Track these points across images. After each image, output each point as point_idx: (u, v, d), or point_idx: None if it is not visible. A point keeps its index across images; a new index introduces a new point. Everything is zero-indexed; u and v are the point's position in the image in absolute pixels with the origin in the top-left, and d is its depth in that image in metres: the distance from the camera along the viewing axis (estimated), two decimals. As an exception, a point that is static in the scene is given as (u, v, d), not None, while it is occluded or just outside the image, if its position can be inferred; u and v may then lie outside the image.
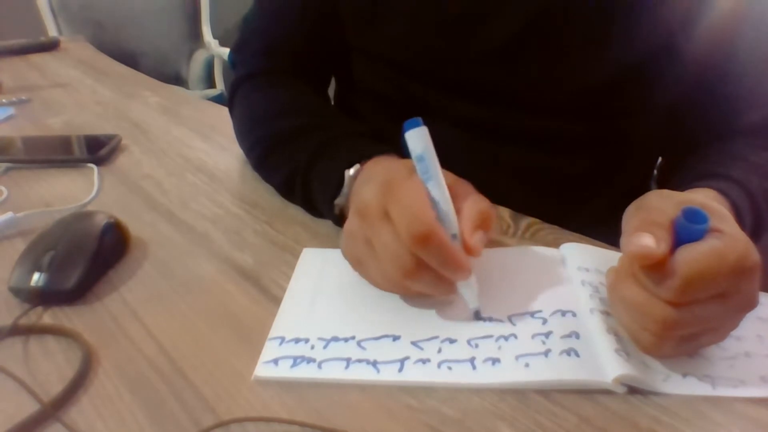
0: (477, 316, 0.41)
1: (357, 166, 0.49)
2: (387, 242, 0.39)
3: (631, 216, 0.38)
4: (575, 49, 0.56)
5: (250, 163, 0.66)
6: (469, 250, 0.40)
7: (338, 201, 0.50)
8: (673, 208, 0.36)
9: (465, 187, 0.43)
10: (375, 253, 0.40)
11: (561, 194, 0.65)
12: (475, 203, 0.42)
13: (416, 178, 0.40)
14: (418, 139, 0.40)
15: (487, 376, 0.36)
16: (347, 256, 0.44)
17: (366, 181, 0.46)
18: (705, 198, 0.39)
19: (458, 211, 0.41)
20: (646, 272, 0.35)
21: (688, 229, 0.35)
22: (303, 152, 0.55)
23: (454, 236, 0.40)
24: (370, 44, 0.65)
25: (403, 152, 0.42)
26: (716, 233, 0.35)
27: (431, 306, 0.42)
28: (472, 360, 0.37)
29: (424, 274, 0.39)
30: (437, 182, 0.40)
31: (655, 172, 0.73)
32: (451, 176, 0.43)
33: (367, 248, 0.41)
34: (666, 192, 0.39)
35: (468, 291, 0.41)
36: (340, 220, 0.51)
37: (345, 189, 0.49)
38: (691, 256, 0.34)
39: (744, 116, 0.57)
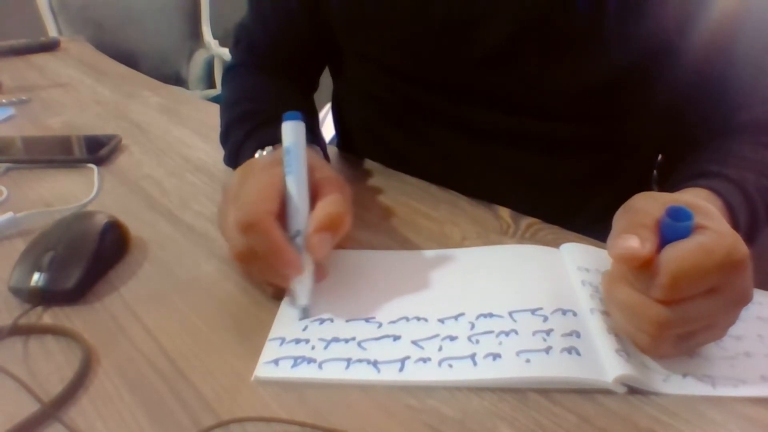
0: (304, 313, 0.42)
1: (270, 148, 0.52)
2: (229, 224, 0.42)
3: (618, 219, 0.38)
4: (571, 51, 0.56)
5: None
6: (309, 248, 0.41)
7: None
8: (658, 208, 0.36)
9: (333, 187, 0.44)
10: (227, 233, 0.43)
11: (561, 195, 0.65)
12: (329, 205, 0.42)
13: (277, 169, 0.42)
14: (290, 132, 0.42)
15: (487, 371, 0.36)
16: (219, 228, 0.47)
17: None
18: (692, 197, 0.39)
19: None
20: (635, 273, 0.35)
21: (673, 227, 0.35)
22: (240, 135, 0.59)
23: (298, 232, 0.41)
24: (363, 48, 0.65)
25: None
26: (702, 230, 0.35)
27: (432, 305, 0.42)
28: (473, 356, 0.37)
29: (255, 261, 0.41)
30: (296, 177, 0.42)
31: (655, 172, 0.73)
32: (327, 173, 0.45)
33: (224, 225, 0.44)
34: (652, 193, 0.40)
35: (298, 287, 0.41)
36: None
37: None
38: (676, 253, 0.34)
39: (742, 113, 0.57)
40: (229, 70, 0.72)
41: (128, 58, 1.60)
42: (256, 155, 0.52)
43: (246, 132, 0.58)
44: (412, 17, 0.58)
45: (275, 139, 0.51)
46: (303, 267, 0.41)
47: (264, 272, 0.42)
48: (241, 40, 0.72)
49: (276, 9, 0.68)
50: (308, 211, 0.42)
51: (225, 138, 0.64)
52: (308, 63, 0.72)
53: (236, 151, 0.58)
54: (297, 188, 0.41)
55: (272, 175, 0.42)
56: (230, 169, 0.67)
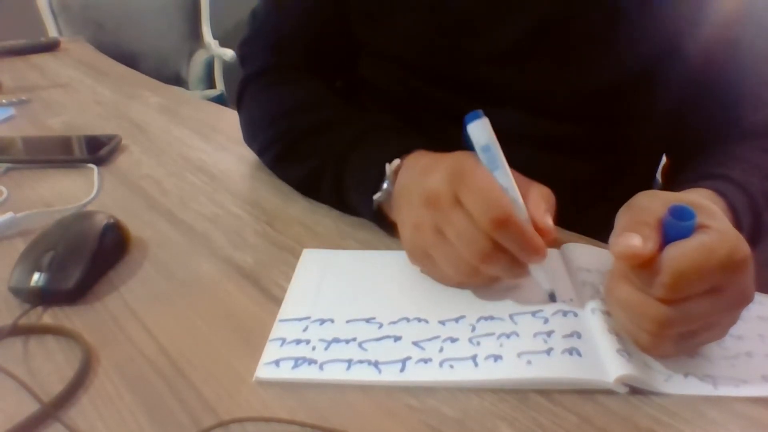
0: (552, 297, 0.42)
1: (397, 160, 0.49)
2: (462, 228, 0.40)
3: (621, 217, 0.38)
4: (582, 52, 0.56)
5: (264, 160, 0.66)
6: (542, 232, 0.40)
7: (377, 197, 0.49)
8: (661, 207, 0.36)
9: (521, 176, 0.44)
10: (446, 242, 0.41)
11: (565, 197, 0.65)
12: (539, 188, 0.43)
13: (483, 166, 0.41)
14: (482, 129, 0.41)
15: (489, 372, 0.36)
16: (411, 250, 0.45)
17: (420, 173, 0.45)
18: (695, 197, 0.39)
19: (523, 197, 0.42)
20: (636, 272, 0.35)
21: (676, 226, 0.35)
22: (333, 145, 0.55)
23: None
24: (378, 40, 0.64)
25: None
26: (704, 229, 0.35)
27: (433, 307, 0.42)
28: (474, 357, 0.37)
29: (501, 257, 0.40)
30: (504, 171, 0.41)
31: (659, 176, 0.73)
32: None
33: (438, 237, 0.42)
34: (655, 192, 0.40)
35: (542, 274, 0.42)
36: (377, 216, 0.51)
37: (386, 184, 0.49)
38: (678, 252, 0.34)
39: (747, 118, 0.57)
40: (255, 76, 0.67)
41: (128, 59, 1.60)
42: (387, 167, 0.49)
43: (350, 138, 0.54)
44: (431, 10, 0.58)
45: (393, 150, 0.50)
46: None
47: (509, 266, 0.41)
48: (257, 36, 0.69)
49: (299, 3, 0.66)
50: (522, 202, 0.42)
51: (287, 148, 0.60)
52: (330, 54, 0.69)
53: (338, 162, 0.54)
54: (508, 181, 0.41)
55: (486, 173, 0.41)
56: (230, 169, 0.67)
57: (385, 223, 0.52)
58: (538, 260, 0.41)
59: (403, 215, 0.46)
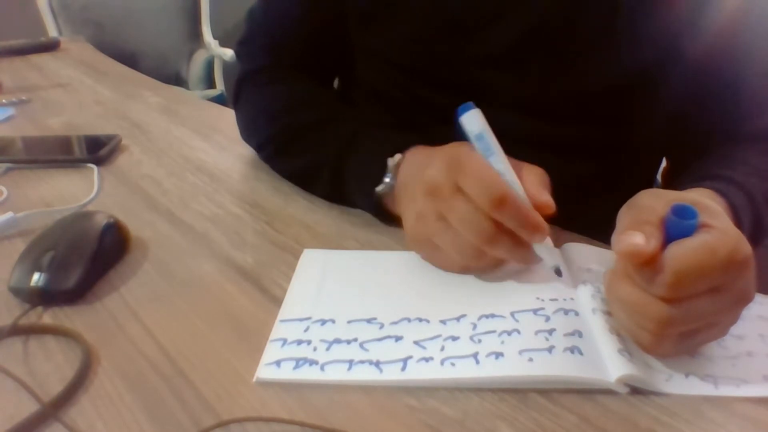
0: (558, 272, 0.43)
1: (399, 155, 0.51)
2: (464, 212, 0.41)
3: (623, 216, 0.38)
4: (578, 54, 0.56)
5: (262, 155, 0.67)
6: (542, 209, 0.42)
7: (380, 188, 0.51)
8: (663, 206, 0.36)
9: (514, 160, 0.45)
10: (450, 228, 0.42)
11: (564, 198, 0.65)
12: (532, 168, 0.45)
13: (479, 154, 0.43)
14: (474, 119, 0.44)
15: (490, 370, 0.36)
16: (415, 239, 0.47)
17: (420, 166, 0.47)
18: (697, 196, 0.39)
19: (519, 179, 0.43)
20: (638, 270, 0.35)
21: (678, 225, 0.35)
22: (332, 142, 0.57)
23: None
24: (374, 44, 0.65)
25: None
26: (706, 228, 0.35)
27: (434, 306, 0.42)
28: (475, 355, 0.37)
29: (504, 238, 0.41)
30: (499, 156, 0.43)
31: (659, 177, 0.73)
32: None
33: (441, 224, 0.43)
34: (657, 191, 0.40)
35: (545, 250, 0.43)
36: (377, 209, 0.53)
37: (389, 177, 0.51)
38: (681, 251, 0.34)
39: (747, 121, 0.57)
40: (251, 75, 0.68)
41: (128, 58, 1.60)
42: (389, 161, 0.51)
43: (349, 135, 0.56)
44: (426, 13, 0.58)
45: (394, 146, 0.52)
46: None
47: (512, 247, 0.42)
48: (253, 36, 0.70)
49: (293, 2, 0.67)
50: (519, 184, 0.43)
51: (285, 144, 0.62)
52: (326, 55, 0.70)
53: (338, 158, 0.56)
54: (504, 165, 0.43)
55: (481, 159, 0.42)
56: (230, 169, 0.67)
57: (384, 216, 0.54)
58: (540, 237, 0.42)
59: (406, 208, 0.47)
